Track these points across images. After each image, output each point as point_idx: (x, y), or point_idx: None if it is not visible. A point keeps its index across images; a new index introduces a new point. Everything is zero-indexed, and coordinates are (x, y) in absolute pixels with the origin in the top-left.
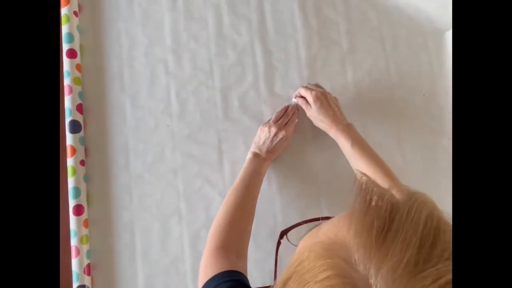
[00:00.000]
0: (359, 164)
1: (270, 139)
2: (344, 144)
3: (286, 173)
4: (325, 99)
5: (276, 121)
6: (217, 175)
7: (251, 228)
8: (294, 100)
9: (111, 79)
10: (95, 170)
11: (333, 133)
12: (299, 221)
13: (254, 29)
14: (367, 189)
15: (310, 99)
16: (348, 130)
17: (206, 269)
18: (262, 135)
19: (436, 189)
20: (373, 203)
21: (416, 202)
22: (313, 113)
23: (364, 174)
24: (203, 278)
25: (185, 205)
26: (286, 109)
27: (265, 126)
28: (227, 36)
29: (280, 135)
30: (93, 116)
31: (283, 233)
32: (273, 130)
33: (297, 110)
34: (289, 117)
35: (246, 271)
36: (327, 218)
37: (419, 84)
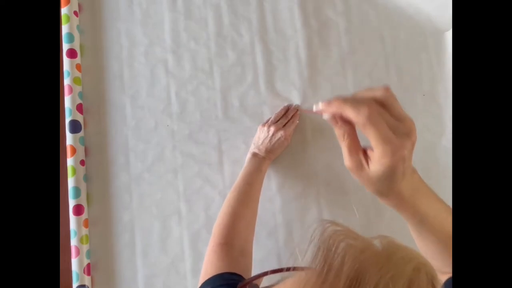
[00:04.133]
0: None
1: (268, 138)
2: (408, 219)
3: (286, 173)
4: (407, 162)
5: (275, 121)
6: (217, 175)
7: (254, 224)
8: (324, 116)
9: (111, 79)
10: (95, 170)
11: (391, 204)
12: (298, 220)
13: (254, 29)
14: (329, 246)
15: (385, 159)
16: (416, 198)
17: (207, 265)
18: (261, 135)
19: (436, 189)
20: (333, 271)
21: (389, 273)
22: (372, 177)
23: (334, 223)
24: (203, 275)
25: (185, 205)
26: (286, 110)
27: (264, 126)
28: (227, 36)
29: (279, 135)
30: (93, 116)
31: None
32: (272, 129)
33: (297, 111)
34: (289, 119)
35: (250, 268)
36: (292, 269)
37: (419, 84)
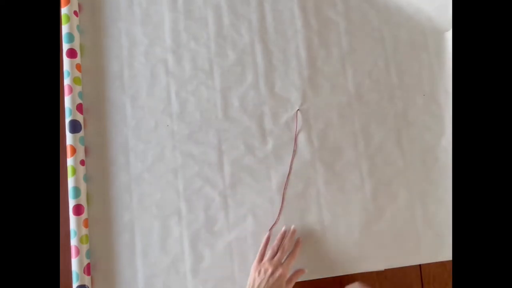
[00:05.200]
0: None
1: (265, 281)
2: None
3: (285, 173)
4: None
5: (271, 257)
6: (217, 175)
7: None
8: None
9: (111, 79)
10: (95, 170)
11: None
12: (298, 220)
13: (254, 29)
14: None
15: None
16: None
17: None
18: (257, 278)
19: (436, 189)
20: None
21: None
22: None
23: None
24: None
25: (185, 205)
26: (282, 238)
27: (260, 265)
28: (227, 36)
29: (277, 275)
30: (93, 116)
31: None
32: (269, 270)
33: (298, 240)
34: (288, 251)
35: None
36: None
37: (419, 84)
